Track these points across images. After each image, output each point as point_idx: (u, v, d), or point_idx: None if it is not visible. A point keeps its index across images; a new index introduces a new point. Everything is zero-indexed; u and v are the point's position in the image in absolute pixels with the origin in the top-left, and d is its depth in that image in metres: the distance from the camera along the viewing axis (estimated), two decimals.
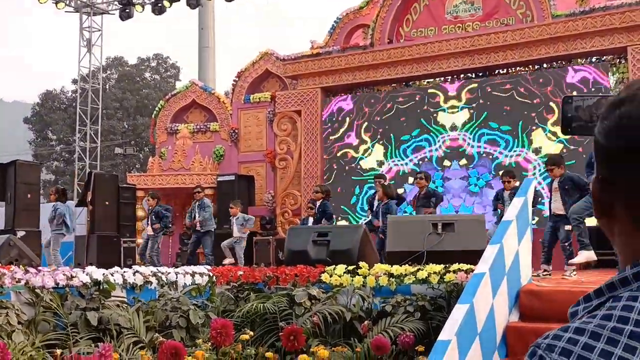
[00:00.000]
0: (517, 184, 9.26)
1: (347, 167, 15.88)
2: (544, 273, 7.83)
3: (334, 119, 16.17)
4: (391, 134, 15.44)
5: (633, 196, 0.95)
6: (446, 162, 14.82)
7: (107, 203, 14.17)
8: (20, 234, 12.20)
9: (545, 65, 14.23)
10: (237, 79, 17.70)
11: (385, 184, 11.03)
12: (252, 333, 5.79)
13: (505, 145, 14.27)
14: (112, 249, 13.73)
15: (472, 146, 14.59)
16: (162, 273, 6.13)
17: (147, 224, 13.60)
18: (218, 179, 16.17)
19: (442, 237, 6.47)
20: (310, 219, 12.56)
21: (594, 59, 13.79)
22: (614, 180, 0.97)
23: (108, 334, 5.12)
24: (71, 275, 5.26)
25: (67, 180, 37.16)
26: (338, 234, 6.87)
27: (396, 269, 6.07)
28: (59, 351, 4.47)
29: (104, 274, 5.49)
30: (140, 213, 15.63)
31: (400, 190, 14.29)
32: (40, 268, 5.21)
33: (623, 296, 0.93)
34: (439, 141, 14.95)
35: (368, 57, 15.69)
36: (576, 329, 0.91)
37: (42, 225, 13.47)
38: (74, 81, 33.70)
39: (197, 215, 13.25)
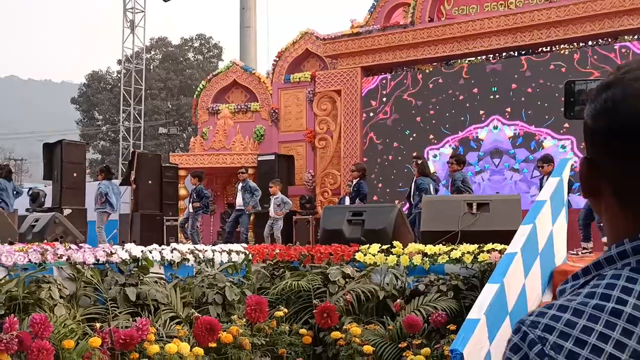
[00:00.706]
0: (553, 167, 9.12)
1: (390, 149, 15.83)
2: (584, 251, 7.73)
3: (375, 99, 16.12)
4: (430, 114, 15.33)
5: (617, 177, 0.97)
6: (487, 145, 14.66)
7: (150, 182, 14.43)
8: (67, 212, 12.55)
9: (590, 43, 13.91)
10: (277, 59, 17.76)
11: (420, 162, 10.97)
12: (286, 310, 5.89)
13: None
14: (155, 227, 14.00)
15: (512, 127, 14.40)
16: (199, 251, 6.26)
17: (189, 202, 13.83)
18: (258, 159, 16.32)
19: (477, 217, 6.45)
20: (347, 198, 12.60)
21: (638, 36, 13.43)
22: (599, 161, 0.99)
23: (146, 309, 5.27)
24: (111, 252, 5.41)
25: (113, 159, 37.85)
26: (373, 213, 6.90)
27: (430, 249, 6.09)
28: (98, 324, 4.63)
29: (142, 251, 5.64)
30: (182, 192, 15.89)
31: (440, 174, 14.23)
32: (81, 244, 5.38)
33: (607, 274, 0.95)
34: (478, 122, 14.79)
35: (408, 36, 15.57)
36: (560, 306, 0.93)
37: (87, 203, 13.82)
38: (119, 62, 34.24)
39: (238, 195, 13.42)
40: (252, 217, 14.41)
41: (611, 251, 0.97)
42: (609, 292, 0.92)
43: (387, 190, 15.57)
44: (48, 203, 13.87)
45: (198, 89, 19.00)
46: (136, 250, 5.57)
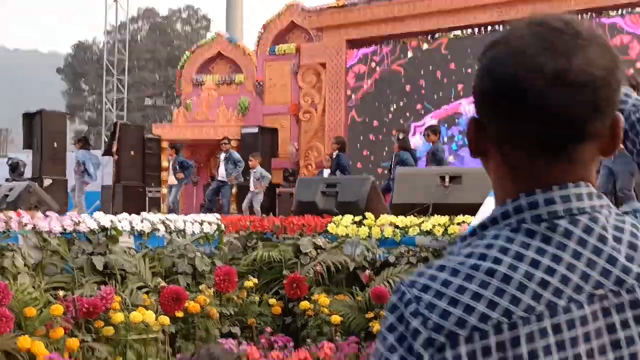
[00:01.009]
0: None
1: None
2: None
3: (360, 72, 16.03)
4: (415, 88, 15.28)
5: (502, 137, 0.96)
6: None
7: (132, 153, 14.38)
8: (47, 182, 12.49)
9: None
10: (262, 31, 17.61)
11: (402, 136, 10.99)
12: (257, 281, 5.89)
13: None
14: (138, 198, 13.97)
15: None
16: (170, 221, 6.24)
17: (172, 174, 13.80)
18: (242, 131, 16.23)
19: (449, 190, 6.46)
20: (326, 172, 12.58)
21: (623, 12, 13.39)
22: (486, 121, 0.97)
23: (113, 278, 5.25)
24: (78, 221, 5.38)
25: (99, 130, 37.64)
26: (346, 185, 6.90)
27: (401, 221, 6.10)
28: (61, 293, 4.61)
29: (111, 220, 5.62)
30: (165, 164, 15.83)
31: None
32: (48, 213, 5.35)
33: (488, 235, 0.94)
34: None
35: (394, 8, 15.45)
36: (439, 266, 0.93)
37: (69, 174, 13.74)
38: (107, 32, 33.84)
39: (221, 166, 13.38)
40: (235, 190, 14.40)
41: (496, 212, 0.97)
42: (486, 251, 0.91)
43: (370, 166, 15.55)
44: (28, 173, 13.78)
45: (182, 60, 18.86)
46: (105, 219, 5.55)
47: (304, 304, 5.51)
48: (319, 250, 6.17)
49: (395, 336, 0.88)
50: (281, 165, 16.05)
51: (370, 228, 6.19)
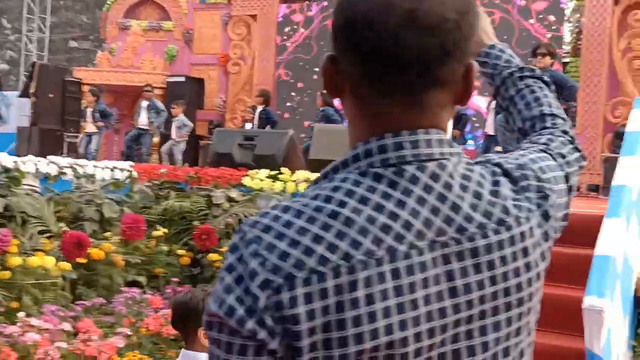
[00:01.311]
0: None
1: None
2: None
3: (292, 25, 15.83)
4: None
5: (354, 78, 0.93)
6: None
7: (51, 96, 13.85)
8: None
9: None
10: None
11: (326, 92, 10.96)
12: (166, 230, 5.82)
13: None
14: (55, 143, 13.50)
15: None
16: (80, 165, 6.05)
17: (89, 120, 13.35)
18: (167, 80, 15.84)
19: None
20: (248, 125, 12.44)
21: None
22: (341, 59, 0.94)
23: (14, 221, 5.07)
24: None
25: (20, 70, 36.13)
26: (264, 138, 6.84)
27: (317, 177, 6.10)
28: None
29: (14, 161, 5.40)
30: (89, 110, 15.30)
31: None
32: None
33: (337, 177, 0.92)
34: None
35: None
36: (284, 207, 0.90)
37: None
38: None
39: (142, 114, 13.04)
40: (157, 139, 14.11)
41: (348, 154, 0.94)
42: (332, 194, 0.89)
43: (296, 121, 15.49)
44: None
45: (108, 2, 18.14)
46: (7, 160, 5.33)
47: (213, 256, 5.49)
48: (232, 203, 6.13)
49: (234, 277, 0.86)
50: (207, 117, 15.77)
51: (285, 183, 6.17)
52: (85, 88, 15.24)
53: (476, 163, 0.99)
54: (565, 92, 7.65)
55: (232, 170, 6.47)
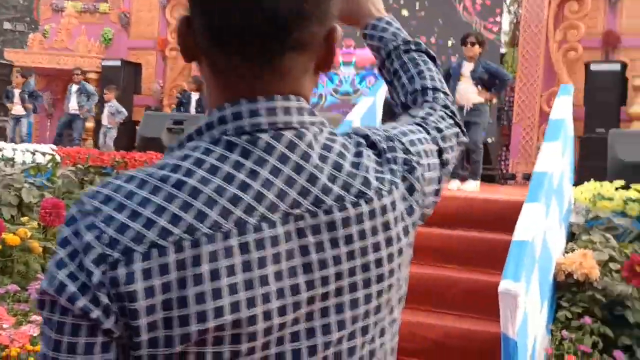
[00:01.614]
0: None
1: None
2: None
3: None
4: None
5: (208, 41, 0.86)
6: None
7: None
8: None
9: None
10: None
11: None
12: None
13: None
14: None
15: None
16: None
17: (17, 102, 12.93)
18: (103, 64, 15.45)
19: None
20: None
21: None
22: (194, 21, 0.87)
23: None
24: None
25: None
26: (194, 122, 6.71)
27: None
28: None
29: None
30: (15, 92, 14.83)
31: None
32: None
33: (188, 145, 0.86)
34: None
35: None
36: (129, 176, 0.83)
37: None
38: None
39: (72, 99, 12.68)
40: (92, 124, 13.77)
41: (202, 122, 0.89)
42: (180, 163, 0.83)
43: None
44: None
45: None
46: None
47: None
48: None
49: (68, 251, 0.78)
50: (144, 102, 15.46)
51: None
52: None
53: (343, 135, 0.95)
54: (497, 82, 7.74)
55: (160, 155, 6.33)
